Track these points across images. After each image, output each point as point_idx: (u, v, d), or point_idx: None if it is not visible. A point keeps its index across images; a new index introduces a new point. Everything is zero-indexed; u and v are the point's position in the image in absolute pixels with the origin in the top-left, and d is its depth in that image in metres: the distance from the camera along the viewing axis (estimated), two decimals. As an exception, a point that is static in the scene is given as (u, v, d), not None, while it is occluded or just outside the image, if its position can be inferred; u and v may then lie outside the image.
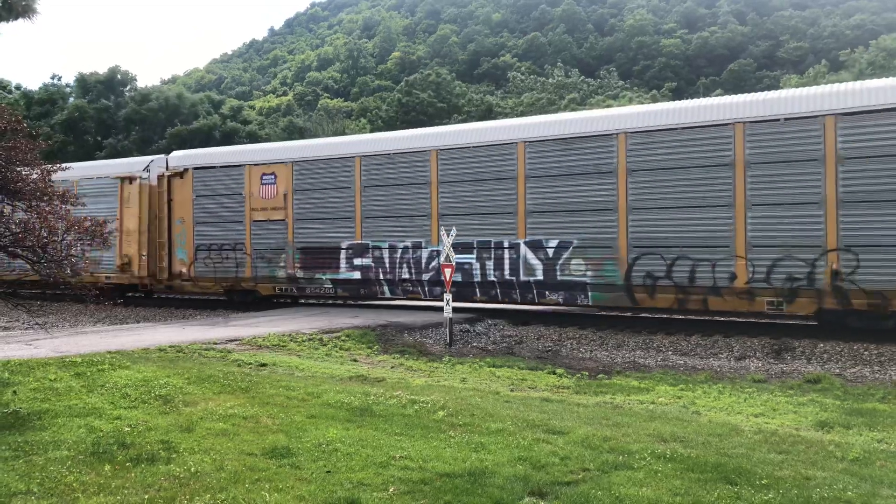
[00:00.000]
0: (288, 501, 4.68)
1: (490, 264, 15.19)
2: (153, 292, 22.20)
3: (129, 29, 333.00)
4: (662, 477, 5.17)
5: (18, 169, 7.74)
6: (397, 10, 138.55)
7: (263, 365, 9.68)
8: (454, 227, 14.70)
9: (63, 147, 46.92)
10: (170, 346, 11.02)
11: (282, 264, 17.79)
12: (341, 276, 16.95)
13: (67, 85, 59.14)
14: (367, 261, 16.62)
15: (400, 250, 16.22)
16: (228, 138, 48.37)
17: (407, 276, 16.12)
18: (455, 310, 13.99)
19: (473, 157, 15.47)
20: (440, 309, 14.02)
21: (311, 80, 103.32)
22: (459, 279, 15.33)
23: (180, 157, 20.04)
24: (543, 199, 14.65)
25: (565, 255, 14.37)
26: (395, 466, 5.35)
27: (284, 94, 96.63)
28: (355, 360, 10.95)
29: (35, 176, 7.89)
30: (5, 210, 7.88)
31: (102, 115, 52.10)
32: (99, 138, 52.01)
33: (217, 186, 18.93)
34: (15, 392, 7.41)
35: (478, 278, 15.27)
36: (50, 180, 8.05)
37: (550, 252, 14.54)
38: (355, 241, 16.82)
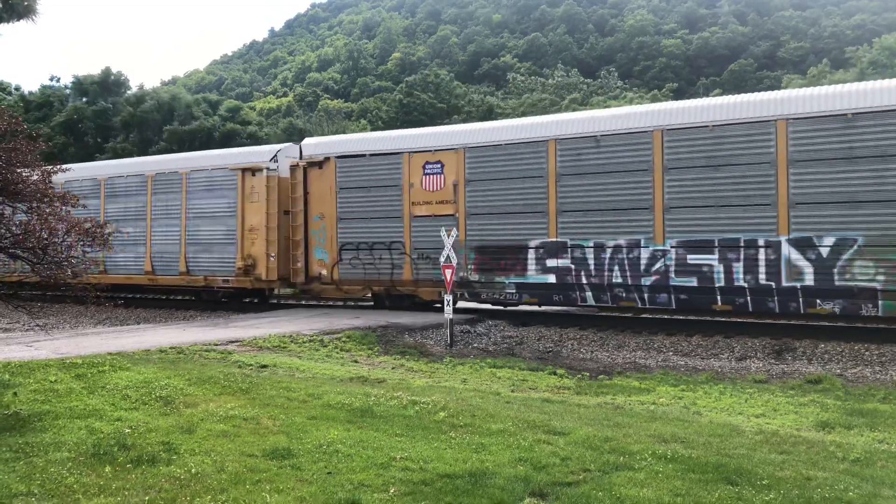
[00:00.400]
0: (289, 503, 4.68)
1: (738, 267, 12.86)
2: (271, 298, 20.44)
3: (129, 29, 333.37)
4: (663, 477, 5.17)
5: (19, 171, 7.74)
6: (397, 10, 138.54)
7: (264, 366, 9.68)
8: (455, 229, 14.61)
9: (64, 149, 46.96)
10: (170, 348, 11.03)
11: None
12: (530, 280, 14.72)
13: (66, 86, 59.18)
14: (563, 262, 14.38)
15: (609, 250, 13.94)
16: (229, 139, 48.39)
17: (619, 280, 13.86)
18: (455, 311, 13.96)
19: (713, 137, 13.12)
20: (441, 310, 13.99)
21: (311, 81, 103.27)
22: (694, 284, 13.20)
23: (318, 145, 18.10)
24: (814, 187, 12.33)
25: (846, 255, 12.06)
26: (396, 467, 5.35)
27: (285, 95, 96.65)
28: (356, 362, 10.96)
29: (35, 177, 7.89)
30: (6, 212, 7.88)
31: (101, 117, 52.14)
32: (98, 140, 52.05)
33: (367, 177, 16.87)
34: (16, 394, 7.41)
35: (720, 283, 12.98)
36: (50, 182, 8.05)
37: (825, 252, 12.22)
38: (548, 240, 14.54)
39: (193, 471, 5.21)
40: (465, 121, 54.04)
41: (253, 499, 4.72)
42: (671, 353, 12.65)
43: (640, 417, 7.24)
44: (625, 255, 13.83)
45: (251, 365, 9.74)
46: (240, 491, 4.85)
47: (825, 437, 6.59)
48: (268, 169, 18.16)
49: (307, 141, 18.63)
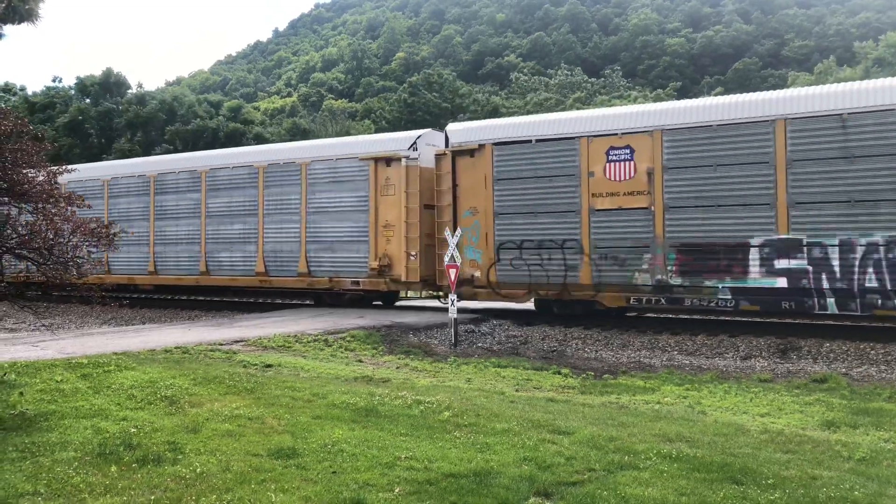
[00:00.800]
0: (294, 502, 4.69)
1: None
2: (397, 300, 18.68)
3: (130, 30, 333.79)
4: (668, 477, 5.17)
5: (25, 171, 7.78)
6: (401, 10, 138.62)
7: (269, 366, 9.70)
8: (459, 228, 14.56)
9: (69, 150, 47.16)
10: (175, 348, 11.05)
11: (643, 267, 13.58)
12: (751, 284, 12.67)
13: (70, 87, 59.45)
14: (798, 263, 12.34)
15: (860, 248, 11.87)
16: (234, 139, 48.49)
17: (874, 284, 11.78)
18: (459, 310, 13.96)
19: None
20: (445, 309, 14.00)
21: (315, 81, 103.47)
22: None
23: (470, 131, 15.98)
24: None
25: None
26: (401, 467, 5.36)
27: (289, 95, 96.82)
28: (360, 361, 10.97)
29: (41, 178, 7.92)
30: (12, 212, 7.92)
31: (105, 117, 52.36)
32: (102, 140, 52.26)
33: (532, 166, 14.75)
34: (22, 393, 7.44)
35: None
36: (55, 182, 8.08)
37: None
38: (776, 237, 12.50)
39: (199, 470, 5.22)
40: (470, 120, 53.87)
41: (258, 498, 4.73)
42: (676, 353, 12.63)
43: (645, 417, 7.23)
44: (882, 255, 11.80)
45: (256, 364, 9.75)
46: (245, 490, 4.86)
47: (830, 437, 6.57)
48: (407, 158, 16.30)
49: (455, 126, 16.60)
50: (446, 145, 16.13)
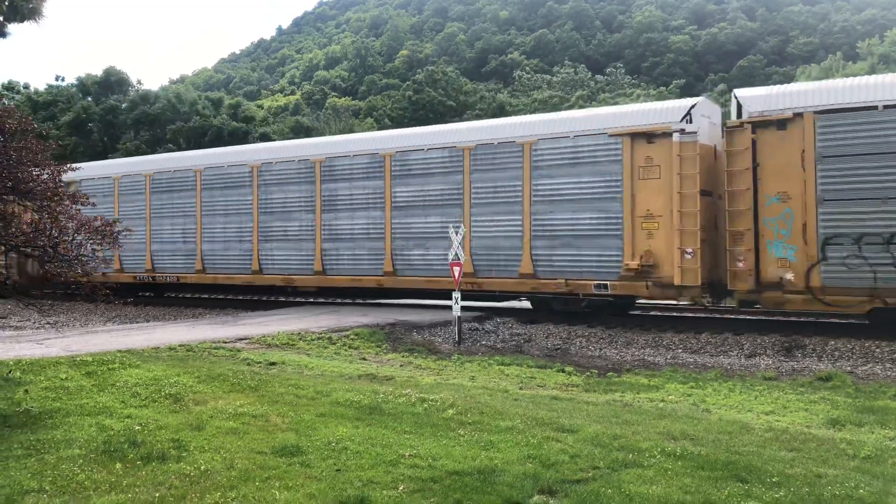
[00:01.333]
0: (298, 500, 4.69)
1: None
2: (632, 307, 15.84)
3: (129, 29, 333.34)
4: (672, 475, 5.16)
5: (30, 169, 7.80)
6: (405, 8, 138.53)
7: (273, 363, 9.71)
8: (462, 226, 14.50)
9: (74, 148, 47.27)
10: (179, 345, 11.07)
11: None
12: None
13: (71, 86, 59.55)
14: None
15: None
16: (236, 136, 48.52)
17: None
18: (463, 308, 13.95)
19: None
20: (448, 307, 14.00)
21: (319, 79, 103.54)
22: None
23: (776, 97, 12.87)
24: None
25: None
26: (405, 465, 5.36)
27: (293, 93, 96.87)
28: (364, 359, 10.97)
29: (45, 176, 7.94)
30: (17, 210, 7.94)
31: (110, 114, 52.45)
32: (105, 138, 52.35)
33: (878, 139, 11.87)
34: (27, 391, 7.46)
35: None
36: (60, 180, 8.10)
37: None
38: None
39: (203, 468, 5.23)
40: (478, 117, 53.74)
41: (262, 496, 4.73)
42: (680, 351, 12.62)
43: (649, 415, 7.23)
44: None
45: (260, 362, 9.77)
46: (249, 488, 4.87)
47: (835, 435, 6.56)
48: (681, 132, 13.37)
49: (751, 92, 13.47)
50: (738, 115, 13.26)
